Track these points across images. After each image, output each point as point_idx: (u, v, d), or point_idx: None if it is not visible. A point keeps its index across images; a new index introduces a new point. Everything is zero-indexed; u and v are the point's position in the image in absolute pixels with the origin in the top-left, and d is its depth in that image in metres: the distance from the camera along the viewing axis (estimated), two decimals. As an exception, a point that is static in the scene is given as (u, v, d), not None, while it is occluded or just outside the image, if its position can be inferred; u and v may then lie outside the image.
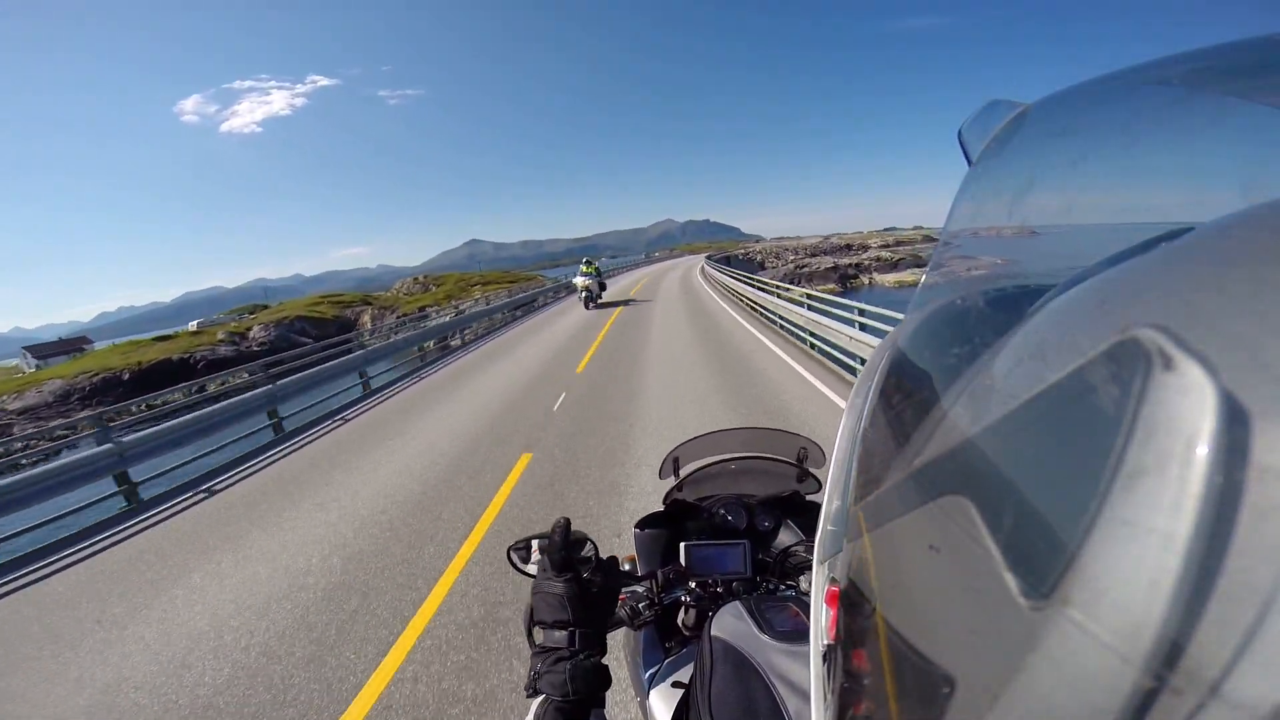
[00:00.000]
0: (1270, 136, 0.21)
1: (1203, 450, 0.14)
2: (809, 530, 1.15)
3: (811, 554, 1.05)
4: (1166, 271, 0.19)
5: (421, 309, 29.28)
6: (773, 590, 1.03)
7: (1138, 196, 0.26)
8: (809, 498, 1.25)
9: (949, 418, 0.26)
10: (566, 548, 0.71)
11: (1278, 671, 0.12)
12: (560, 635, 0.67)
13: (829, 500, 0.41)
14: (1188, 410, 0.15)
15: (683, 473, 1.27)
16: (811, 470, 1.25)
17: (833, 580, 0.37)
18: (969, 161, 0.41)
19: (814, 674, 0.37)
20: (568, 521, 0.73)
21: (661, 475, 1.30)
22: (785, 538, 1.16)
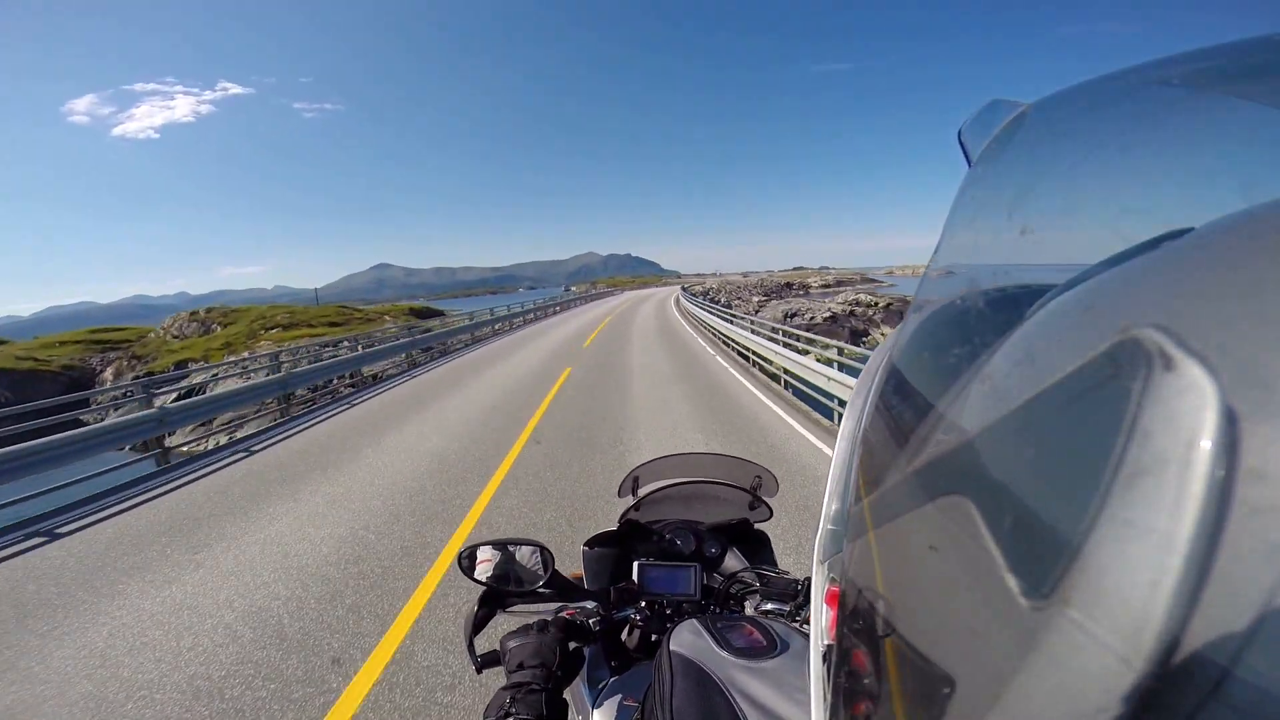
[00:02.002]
0: (1270, 137, 0.21)
1: (1203, 451, 0.14)
2: (753, 558, 1.19)
3: (755, 581, 1.06)
4: (1167, 272, 0.19)
5: (180, 365, 20.01)
6: (724, 616, 1.04)
7: (1138, 197, 0.26)
8: (757, 526, 1.28)
9: (949, 418, 0.26)
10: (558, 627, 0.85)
11: (1277, 671, 0.12)
12: (538, 672, 0.75)
13: (829, 500, 0.41)
14: (1188, 411, 0.15)
15: (641, 493, 1.29)
16: (764, 499, 1.28)
17: (833, 580, 0.37)
18: (969, 162, 0.41)
19: (814, 674, 0.37)
20: (562, 621, 0.87)
21: (620, 494, 1.31)
22: (731, 563, 1.18)
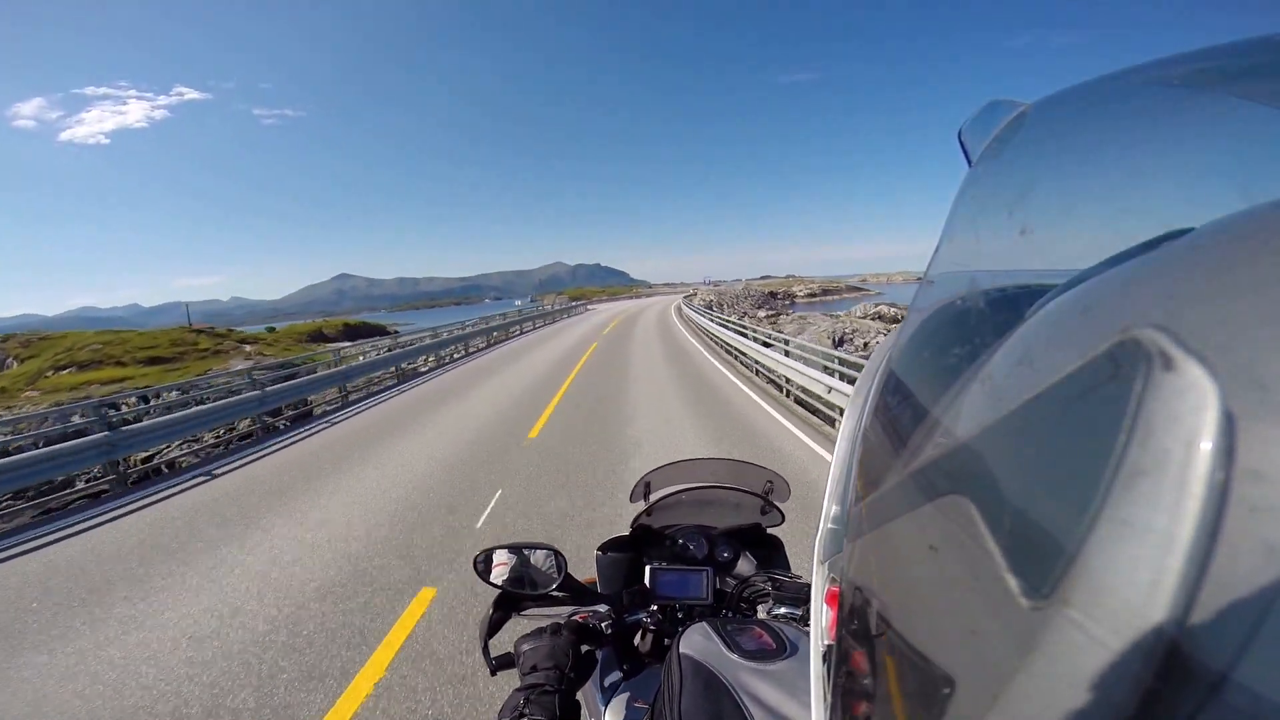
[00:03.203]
0: (1270, 137, 0.21)
1: (1203, 450, 0.14)
2: (766, 562, 1.19)
3: (768, 585, 1.06)
4: (1166, 272, 0.19)
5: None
6: (736, 619, 1.05)
7: (1138, 197, 0.26)
8: (770, 531, 1.29)
9: (949, 418, 0.26)
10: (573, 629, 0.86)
11: (1277, 671, 0.12)
12: (551, 674, 0.76)
13: (829, 500, 0.41)
14: (1188, 410, 0.15)
15: (652, 498, 1.30)
16: (776, 503, 1.29)
17: (833, 580, 0.37)
18: (969, 162, 0.41)
19: (814, 675, 0.37)
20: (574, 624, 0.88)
21: (632, 499, 1.33)
22: (744, 568, 1.19)
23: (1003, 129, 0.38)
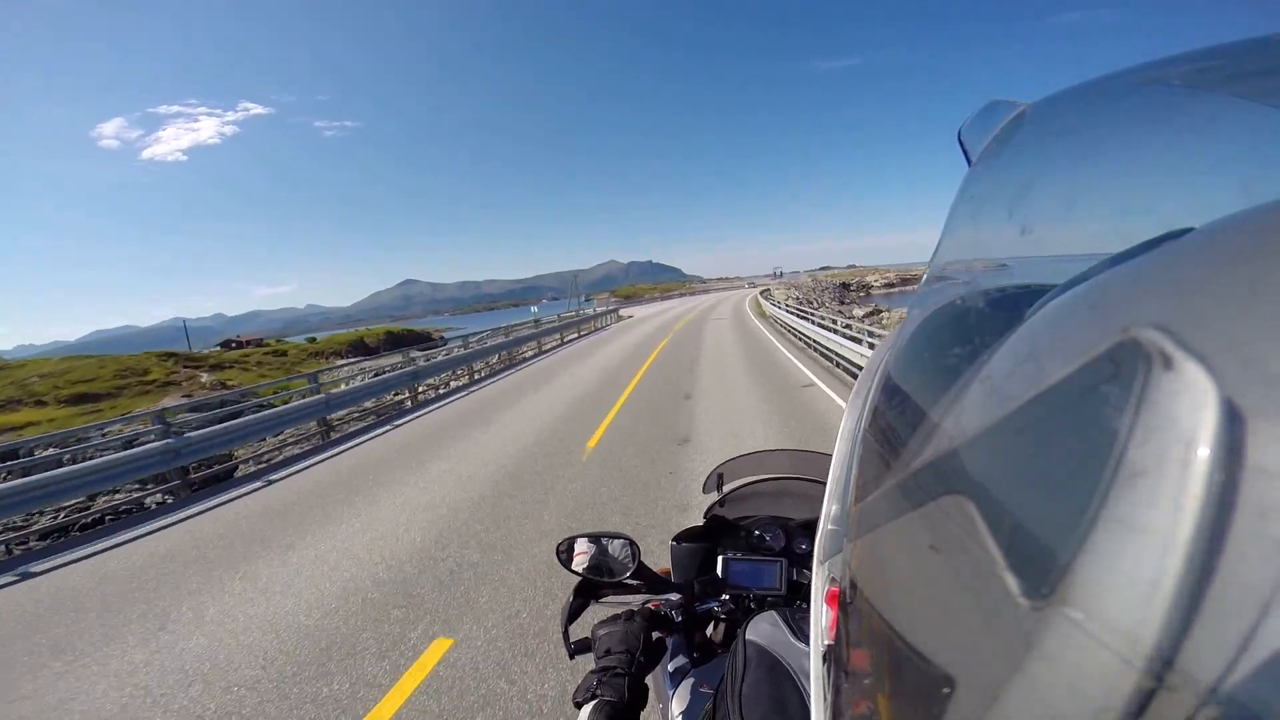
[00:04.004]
0: (1270, 137, 0.21)
1: (1203, 451, 0.14)
2: None
3: None
4: (1167, 272, 0.19)
5: None
6: (806, 609, 1.04)
7: (1137, 197, 0.26)
8: None
9: (949, 418, 0.26)
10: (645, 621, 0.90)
11: (1276, 671, 0.12)
12: (623, 657, 0.80)
13: (829, 501, 0.41)
14: (1188, 410, 0.15)
15: (726, 489, 1.30)
16: None
17: (833, 580, 0.37)
18: (969, 162, 0.41)
19: (814, 674, 0.37)
20: (645, 609, 0.92)
21: (705, 490, 1.33)
22: None
23: (1002, 129, 0.38)
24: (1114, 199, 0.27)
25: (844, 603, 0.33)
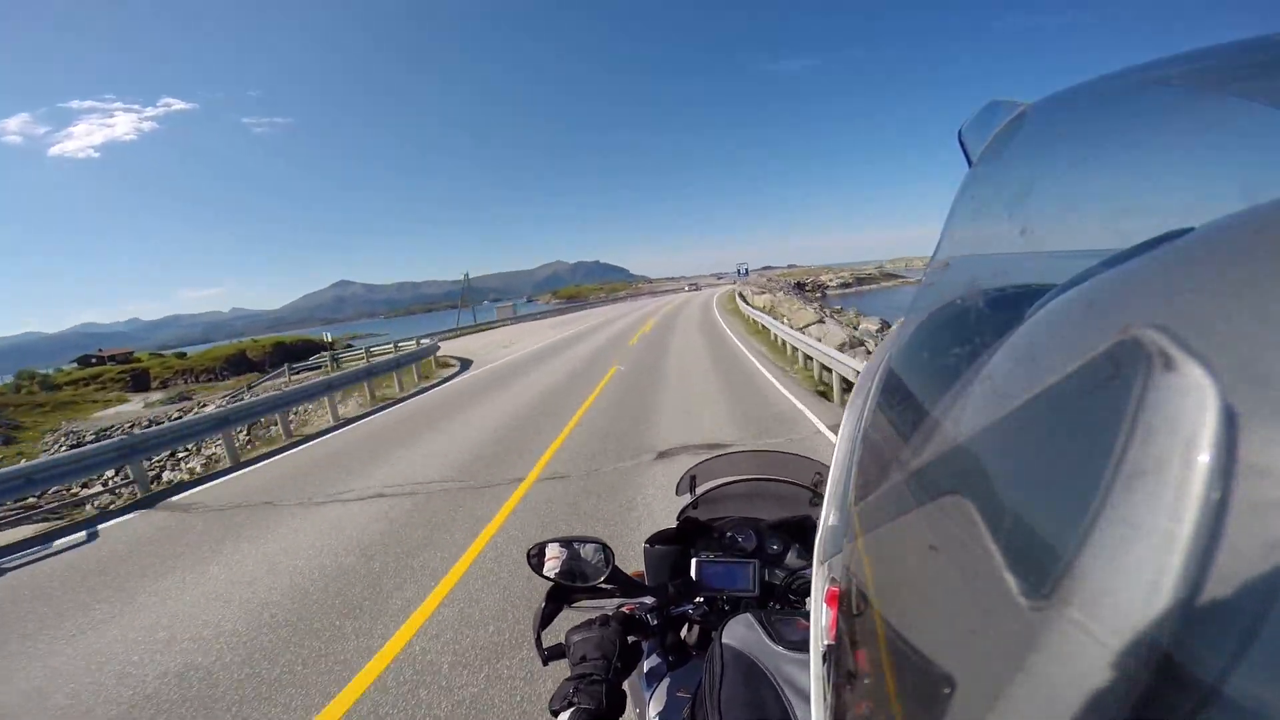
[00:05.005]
0: (1270, 137, 0.21)
1: (1203, 451, 0.14)
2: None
3: None
4: (1167, 272, 0.19)
5: None
6: (779, 610, 1.04)
7: (1138, 197, 0.26)
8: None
9: (949, 418, 0.26)
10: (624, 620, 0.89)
11: (1276, 671, 0.12)
12: (599, 664, 0.79)
13: (829, 501, 0.41)
14: (1188, 410, 0.15)
15: (699, 490, 1.30)
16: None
17: (833, 580, 0.37)
18: (969, 162, 0.41)
19: (814, 674, 0.37)
20: (620, 614, 0.89)
21: (678, 492, 1.32)
22: (794, 560, 1.18)
23: (1002, 129, 0.38)
24: (1114, 199, 0.27)
25: (844, 603, 0.33)
